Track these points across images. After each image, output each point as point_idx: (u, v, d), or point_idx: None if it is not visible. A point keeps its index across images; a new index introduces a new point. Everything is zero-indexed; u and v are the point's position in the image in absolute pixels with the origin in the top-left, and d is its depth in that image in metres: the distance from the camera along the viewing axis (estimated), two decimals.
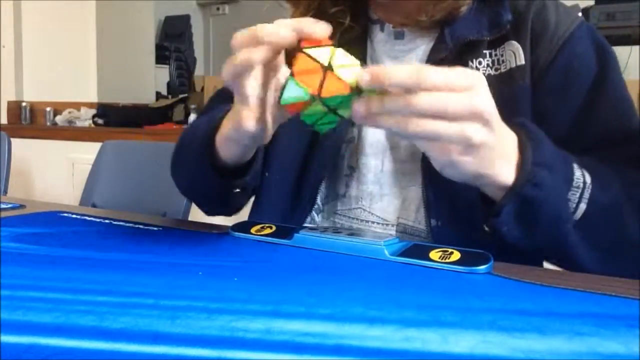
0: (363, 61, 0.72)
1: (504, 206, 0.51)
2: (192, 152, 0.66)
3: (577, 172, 0.54)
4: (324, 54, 0.46)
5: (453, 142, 0.46)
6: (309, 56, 0.46)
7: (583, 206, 0.54)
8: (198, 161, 0.64)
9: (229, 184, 0.64)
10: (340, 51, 0.46)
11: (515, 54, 0.64)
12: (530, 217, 0.51)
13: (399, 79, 0.43)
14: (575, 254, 0.54)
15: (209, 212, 0.78)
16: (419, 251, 0.52)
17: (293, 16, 0.73)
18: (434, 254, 0.51)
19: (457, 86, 0.44)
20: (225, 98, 0.66)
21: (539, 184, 0.50)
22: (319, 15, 0.70)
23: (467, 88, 0.44)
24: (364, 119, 0.45)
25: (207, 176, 0.63)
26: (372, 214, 0.68)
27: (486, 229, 0.53)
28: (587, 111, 0.63)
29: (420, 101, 0.43)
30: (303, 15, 0.71)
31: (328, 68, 0.45)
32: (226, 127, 0.57)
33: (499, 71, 0.64)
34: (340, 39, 0.71)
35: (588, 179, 0.55)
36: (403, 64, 0.70)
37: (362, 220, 0.68)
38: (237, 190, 0.65)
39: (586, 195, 0.54)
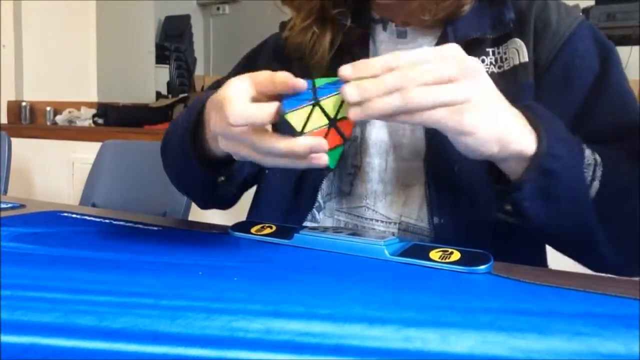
0: None
1: (526, 180, 0.50)
2: (176, 142, 0.66)
3: (587, 151, 0.55)
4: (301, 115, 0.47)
5: (459, 102, 0.46)
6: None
7: (596, 184, 0.54)
8: (182, 150, 0.64)
9: (213, 173, 0.64)
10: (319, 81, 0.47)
11: (519, 52, 0.64)
12: (552, 190, 0.51)
13: (378, 63, 0.45)
14: (593, 234, 0.54)
15: (201, 205, 0.78)
16: (419, 251, 0.52)
17: (295, 20, 0.73)
18: (434, 254, 0.51)
19: (441, 56, 0.46)
20: None
21: (558, 156, 0.50)
22: (321, 18, 0.70)
23: (452, 57, 0.47)
24: (361, 110, 0.45)
25: (192, 168, 0.64)
26: (376, 212, 0.68)
27: (507, 208, 0.52)
28: (589, 108, 0.63)
29: (414, 70, 0.45)
30: (304, 19, 0.71)
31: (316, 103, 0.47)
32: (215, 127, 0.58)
33: (502, 69, 0.65)
34: (344, 40, 0.71)
35: (598, 158, 0.55)
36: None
37: (366, 219, 0.68)
38: (222, 178, 0.65)
39: (598, 173, 0.54)
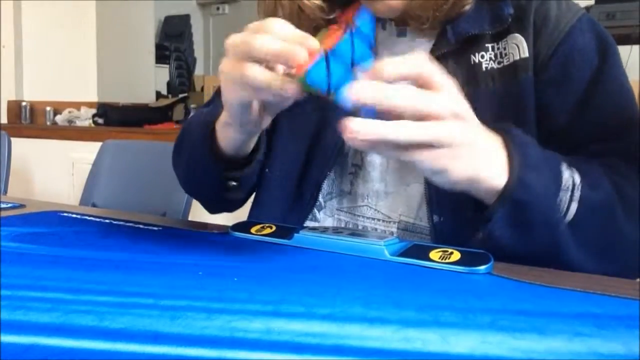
0: None
1: (496, 211, 0.51)
2: (191, 141, 0.67)
3: (566, 173, 0.55)
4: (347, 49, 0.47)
5: (441, 146, 0.46)
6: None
7: (574, 206, 0.54)
8: (197, 150, 0.64)
9: (225, 176, 0.64)
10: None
11: (519, 47, 0.64)
12: (522, 220, 0.52)
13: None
14: (569, 256, 0.54)
15: (210, 209, 0.78)
16: (419, 251, 0.52)
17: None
18: (434, 254, 0.51)
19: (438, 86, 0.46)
20: None
21: (528, 186, 0.51)
22: (316, 28, 0.69)
23: (440, 88, 0.46)
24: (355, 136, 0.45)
25: (205, 166, 0.64)
26: (378, 211, 0.68)
27: (480, 235, 0.53)
28: (587, 103, 0.63)
29: (402, 96, 0.45)
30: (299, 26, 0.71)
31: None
32: (225, 109, 0.57)
33: (502, 64, 0.65)
34: None
35: (577, 179, 0.55)
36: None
37: (367, 218, 0.68)
38: (234, 183, 0.65)
39: (576, 195, 0.54)
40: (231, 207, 0.76)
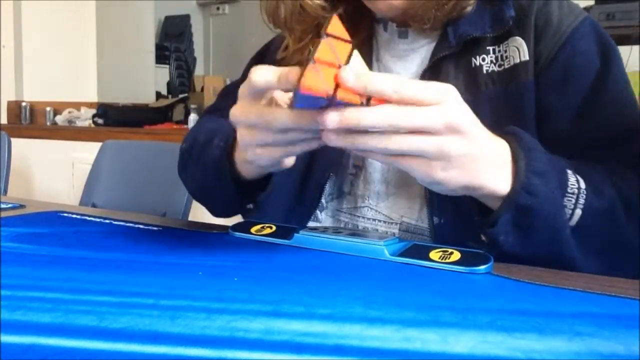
0: (370, 61, 0.72)
1: (500, 216, 0.51)
2: (204, 163, 0.66)
3: (572, 179, 0.54)
4: (344, 50, 0.44)
5: (433, 158, 0.46)
6: (330, 48, 0.44)
7: (579, 212, 0.54)
8: (214, 175, 0.64)
9: (243, 199, 0.64)
10: (356, 53, 0.45)
11: (519, 50, 0.64)
12: (527, 225, 0.51)
13: (378, 85, 0.44)
14: (573, 261, 0.54)
15: (216, 215, 0.77)
16: (419, 251, 0.52)
17: (289, 41, 0.72)
18: (434, 254, 0.51)
19: (428, 100, 0.45)
20: (232, 95, 0.66)
21: (534, 192, 0.50)
22: (316, 35, 0.69)
23: (439, 101, 0.45)
24: (337, 139, 0.45)
25: (221, 189, 0.64)
26: (379, 212, 0.68)
27: (484, 239, 0.53)
28: (588, 108, 0.63)
29: (397, 113, 0.44)
30: (299, 41, 0.71)
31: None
32: (241, 152, 0.58)
33: (502, 67, 0.64)
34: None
35: (583, 184, 0.55)
36: (406, 63, 0.70)
37: (368, 219, 0.68)
38: (251, 206, 0.65)
39: (581, 201, 0.54)
40: (242, 216, 0.76)
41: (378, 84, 0.43)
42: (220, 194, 0.66)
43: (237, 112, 0.50)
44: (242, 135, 0.52)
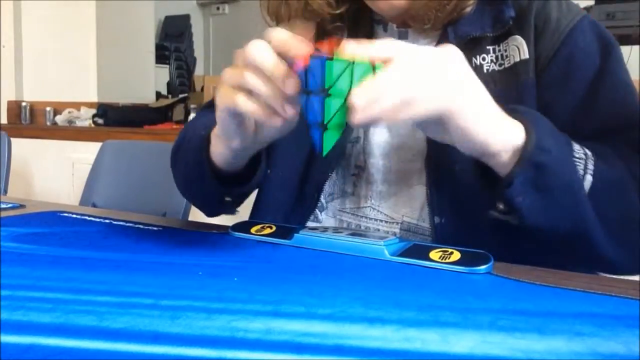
0: None
1: (517, 175, 0.50)
2: (188, 153, 0.67)
3: (576, 146, 0.55)
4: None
5: (438, 111, 0.47)
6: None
7: (589, 178, 0.54)
8: (194, 164, 0.64)
9: (222, 192, 0.64)
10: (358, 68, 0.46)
11: (519, 49, 0.64)
12: (544, 183, 0.51)
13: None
14: (591, 228, 0.53)
15: (208, 215, 0.78)
16: (419, 251, 0.52)
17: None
18: (434, 254, 0.51)
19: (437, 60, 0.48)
20: None
21: (547, 149, 0.51)
22: (317, 34, 0.69)
23: (448, 61, 0.48)
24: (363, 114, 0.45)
25: (200, 178, 0.64)
26: (381, 212, 0.68)
27: (500, 206, 0.52)
28: (589, 102, 0.63)
29: (409, 78, 0.46)
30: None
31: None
32: (217, 119, 0.57)
33: (502, 66, 0.65)
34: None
35: (589, 152, 0.55)
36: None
37: (370, 219, 0.69)
38: (228, 199, 0.65)
39: (590, 166, 0.54)
40: (231, 212, 0.76)
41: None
42: (200, 186, 0.66)
43: (229, 71, 0.51)
44: (226, 93, 0.51)
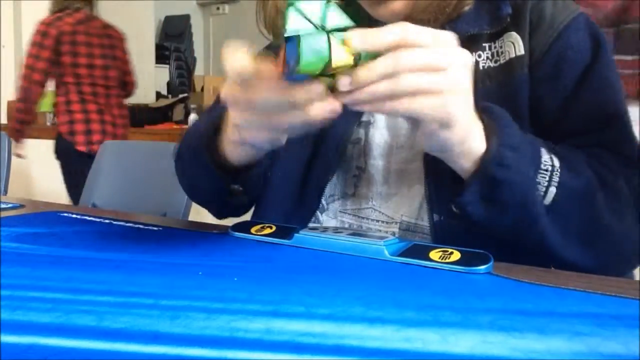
0: None
1: (469, 186, 0.52)
2: (192, 152, 0.67)
3: (545, 156, 0.55)
4: (315, 9, 0.43)
5: (445, 90, 0.46)
6: (301, 13, 0.43)
7: (553, 190, 0.54)
8: (197, 161, 0.64)
9: (228, 185, 0.64)
10: (332, 7, 0.44)
11: (515, 45, 0.64)
12: (496, 197, 0.52)
13: (386, 38, 0.44)
14: (547, 240, 0.54)
15: (216, 215, 0.77)
16: (419, 251, 0.52)
17: None
18: (434, 254, 0.51)
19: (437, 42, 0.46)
20: None
21: (505, 164, 0.51)
22: None
23: (446, 45, 0.47)
24: (350, 97, 0.45)
25: (207, 173, 0.64)
26: (382, 213, 0.68)
27: (453, 209, 0.54)
28: (574, 98, 0.64)
29: (407, 56, 0.45)
30: None
31: (327, 31, 0.43)
32: (235, 134, 0.57)
33: (498, 62, 0.65)
34: None
35: (557, 162, 0.55)
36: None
37: (371, 220, 0.69)
38: (237, 187, 0.65)
39: (555, 178, 0.54)
40: (238, 212, 0.76)
41: (384, 37, 0.44)
42: (207, 182, 0.66)
43: (227, 94, 0.50)
44: (234, 117, 0.53)
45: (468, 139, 0.51)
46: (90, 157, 2.36)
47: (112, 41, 2.48)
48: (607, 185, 0.58)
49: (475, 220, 0.53)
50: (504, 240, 0.54)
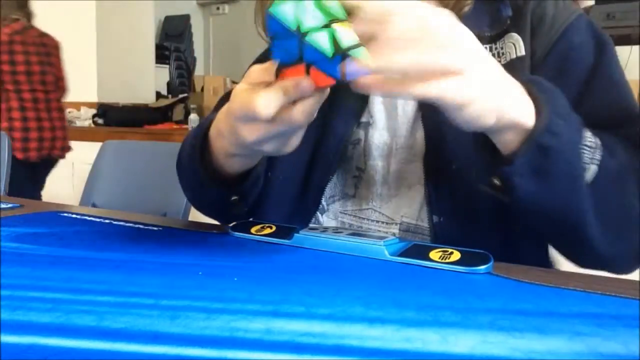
0: None
1: (520, 154, 0.49)
2: (188, 163, 0.66)
3: (588, 132, 0.53)
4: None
5: (453, 70, 0.44)
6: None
7: (594, 168, 0.52)
8: (193, 172, 0.64)
9: (227, 192, 0.64)
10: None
11: (516, 46, 0.64)
12: (545, 168, 0.49)
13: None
14: (585, 220, 0.52)
15: (221, 222, 0.77)
16: (419, 251, 0.52)
17: None
18: (434, 254, 0.51)
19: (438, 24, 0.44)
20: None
21: (557, 133, 0.49)
22: None
23: (447, 25, 0.45)
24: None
25: (203, 186, 0.64)
26: (382, 214, 0.68)
27: (494, 182, 0.51)
28: (583, 100, 0.63)
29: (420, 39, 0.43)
30: None
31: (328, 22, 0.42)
32: (227, 142, 0.55)
33: (499, 63, 0.65)
34: None
35: (598, 141, 0.53)
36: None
37: (371, 220, 0.69)
38: (235, 198, 0.65)
39: (597, 156, 0.52)
40: (241, 218, 0.76)
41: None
42: (206, 194, 0.66)
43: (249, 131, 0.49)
44: (244, 133, 0.51)
45: (504, 112, 0.48)
46: (27, 165, 2.45)
47: (47, 49, 2.63)
48: (635, 171, 0.55)
49: (520, 192, 0.50)
50: (534, 223, 0.50)
